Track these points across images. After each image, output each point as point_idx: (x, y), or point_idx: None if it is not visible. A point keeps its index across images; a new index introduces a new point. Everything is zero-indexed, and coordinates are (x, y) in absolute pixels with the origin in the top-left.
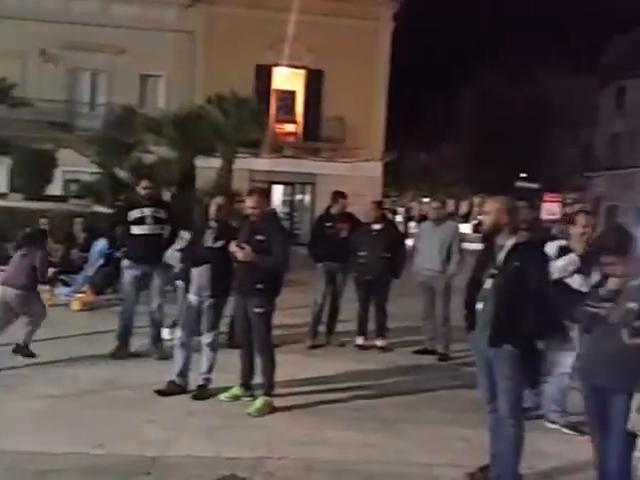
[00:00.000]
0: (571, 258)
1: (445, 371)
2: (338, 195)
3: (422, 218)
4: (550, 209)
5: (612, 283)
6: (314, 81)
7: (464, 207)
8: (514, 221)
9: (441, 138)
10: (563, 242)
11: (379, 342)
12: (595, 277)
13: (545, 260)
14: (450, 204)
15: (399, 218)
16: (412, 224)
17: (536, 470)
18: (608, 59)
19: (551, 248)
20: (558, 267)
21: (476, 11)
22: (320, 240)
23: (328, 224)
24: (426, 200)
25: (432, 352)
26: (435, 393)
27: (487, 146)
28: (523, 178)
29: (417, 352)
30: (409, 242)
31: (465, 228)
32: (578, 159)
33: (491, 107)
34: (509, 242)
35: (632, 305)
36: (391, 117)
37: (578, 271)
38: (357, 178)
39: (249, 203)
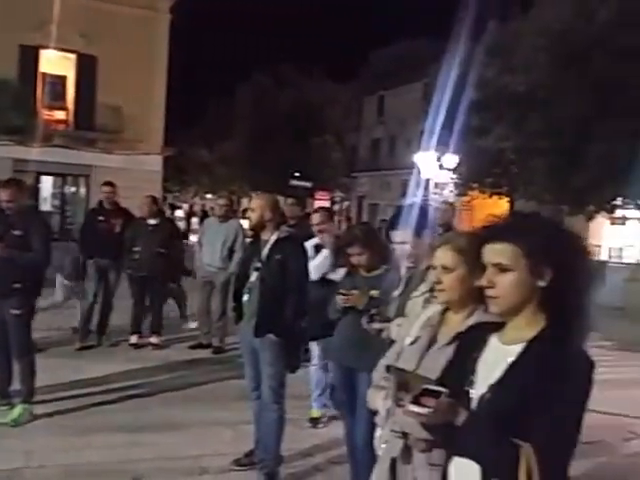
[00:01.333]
0: (324, 254)
1: (218, 364)
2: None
3: (204, 214)
4: (314, 207)
5: (358, 273)
6: (86, 67)
7: (244, 204)
8: (277, 217)
9: (222, 135)
10: (316, 240)
11: (154, 339)
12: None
13: (304, 253)
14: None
15: (180, 213)
16: (194, 220)
17: (297, 450)
18: (371, 69)
19: (309, 247)
20: (315, 266)
21: (252, 14)
22: (91, 235)
23: (101, 218)
24: (209, 196)
25: (208, 346)
26: (207, 386)
27: (263, 146)
28: (297, 177)
29: (192, 347)
30: (193, 238)
31: (246, 224)
32: (345, 161)
33: (266, 108)
34: (272, 237)
35: (373, 293)
36: (172, 112)
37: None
38: (136, 171)
39: (3, 196)
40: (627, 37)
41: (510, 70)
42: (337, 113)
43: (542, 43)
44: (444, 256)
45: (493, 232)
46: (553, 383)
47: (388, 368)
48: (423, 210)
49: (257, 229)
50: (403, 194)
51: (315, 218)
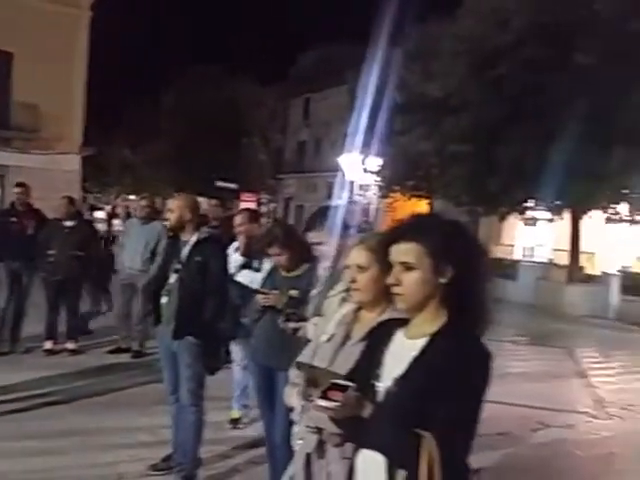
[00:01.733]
0: (234, 256)
1: (138, 368)
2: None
3: (128, 216)
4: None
5: (279, 272)
6: (2, 64)
7: (169, 205)
8: (196, 218)
9: (145, 136)
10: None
11: (70, 345)
12: (266, 267)
13: (225, 255)
14: (157, 202)
15: (102, 215)
16: (117, 221)
17: (217, 452)
18: (297, 72)
19: (232, 248)
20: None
21: (177, 13)
22: (3, 237)
23: (13, 219)
24: (132, 197)
25: (127, 350)
26: (125, 391)
27: (189, 147)
28: (223, 178)
29: (111, 352)
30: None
31: None
32: (271, 162)
33: (191, 109)
34: (192, 238)
35: (293, 292)
36: (92, 111)
37: (244, 267)
38: (53, 171)
39: None
40: (536, 47)
41: (429, 75)
42: (263, 115)
43: (460, 48)
44: (358, 255)
45: (399, 232)
46: (453, 375)
47: (298, 365)
48: (339, 212)
49: (176, 230)
50: (329, 196)
51: (237, 219)
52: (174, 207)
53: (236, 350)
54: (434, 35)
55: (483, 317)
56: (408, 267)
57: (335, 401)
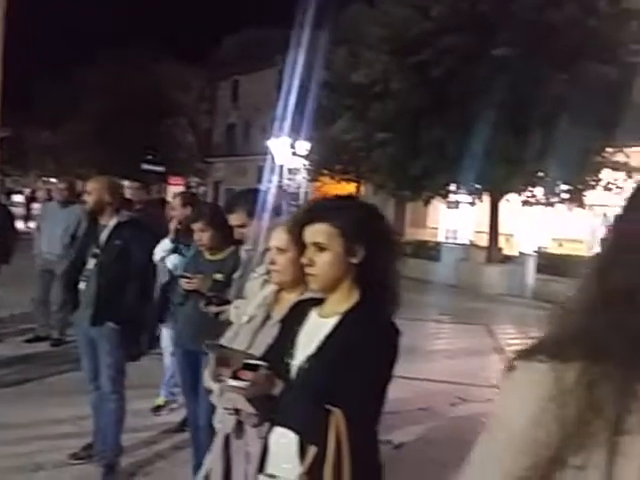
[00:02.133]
0: (164, 241)
1: (58, 357)
2: None
3: (50, 199)
4: (176, 191)
5: (203, 256)
6: None
7: (87, 188)
8: (116, 201)
9: (67, 118)
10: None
11: None
12: (192, 250)
13: (148, 238)
14: (78, 185)
15: (20, 198)
16: (36, 205)
17: (140, 439)
18: (223, 54)
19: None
20: (157, 251)
21: None
22: None
23: None
24: (53, 180)
25: (46, 338)
26: (44, 380)
27: (112, 128)
28: (149, 161)
29: (29, 340)
30: (32, 224)
31: None
32: (199, 145)
33: (113, 90)
34: (112, 221)
35: (218, 276)
36: (9, 91)
37: (173, 252)
38: None
39: None
40: (455, 35)
41: (355, 60)
42: (190, 97)
43: (384, 34)
44: (278, 238)
45: (312, 214)
46: (362, 352)
47: (208, 346)
48: (259, 194)
49: (95, 213)
50: (259, 179)
51: (172, 203)
52: (91, 189)
53: (166, 336)
54: (358, 19)
55: (393, 296)
56: (320, 248)
57: (246, 380)
